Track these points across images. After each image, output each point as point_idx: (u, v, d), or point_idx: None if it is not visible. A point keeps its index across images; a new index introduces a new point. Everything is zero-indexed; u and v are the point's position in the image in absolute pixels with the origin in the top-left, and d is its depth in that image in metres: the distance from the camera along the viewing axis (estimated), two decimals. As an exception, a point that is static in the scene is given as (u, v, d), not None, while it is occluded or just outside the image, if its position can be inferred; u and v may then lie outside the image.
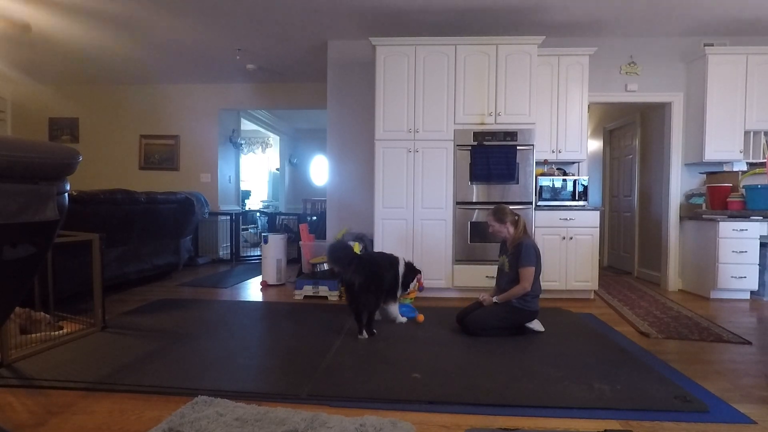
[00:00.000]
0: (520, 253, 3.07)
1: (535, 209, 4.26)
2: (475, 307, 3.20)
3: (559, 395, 2.09)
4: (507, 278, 3.18)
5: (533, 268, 3.06)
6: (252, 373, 2.39)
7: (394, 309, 3.35)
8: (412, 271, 3.44)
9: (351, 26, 4.65)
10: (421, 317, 3.40)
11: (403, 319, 3.38)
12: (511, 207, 4.17)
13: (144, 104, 6.93)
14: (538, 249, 3.17)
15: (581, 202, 4.40)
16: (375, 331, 3.05)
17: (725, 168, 4.63)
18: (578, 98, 4.48)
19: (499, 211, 3.23)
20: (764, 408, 2.00)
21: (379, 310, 3.33)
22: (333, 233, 5.05)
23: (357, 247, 4.32)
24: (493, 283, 3.51)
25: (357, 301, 3.02)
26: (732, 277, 4.26)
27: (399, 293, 3.40)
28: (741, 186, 4.47)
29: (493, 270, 3.85)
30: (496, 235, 3.31)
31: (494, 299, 3.14)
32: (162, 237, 5.03)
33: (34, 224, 1.12)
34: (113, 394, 2.11)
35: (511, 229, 3.19)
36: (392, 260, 3.35)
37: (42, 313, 2.96)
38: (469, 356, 2.64)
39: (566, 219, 4.28)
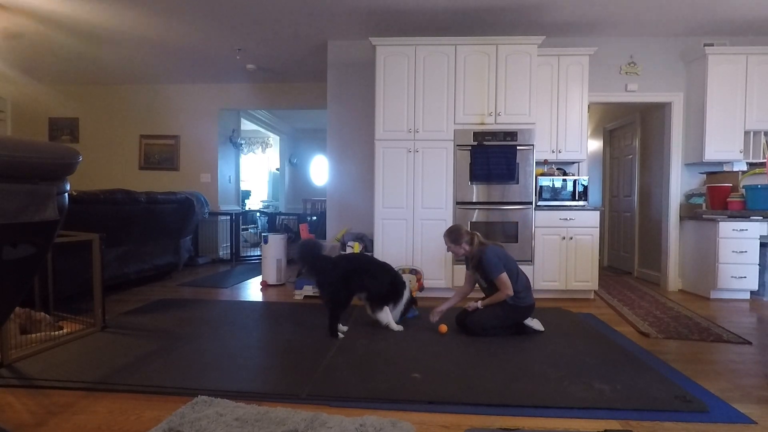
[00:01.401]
0: (483, 266, 3.09)
1: (535, 209, 4.26)
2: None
3: (559, 395, 2.09)
4: (485, 287, 3.21)
5: (505, 274, 3.05)
6: (252, 373, 2.39)
7: (381, 316, 3.19)
8: (411, 302, 3.36)
9: (351, 26, 4.65)
10: (444, 328, 3.16)
11: (397, 327, 3.17)
12: (510, 207, 4.22)
13: (144, 104, 6.93)
14: (501, 251, 3.16)
15: (581, 202, 4.40)
16: (341, 334, 3.03)
17: (725, 168, 4.63)
18: (578, 98, 4.48)
19: (454, 232, 3.25)
20: (764, 408, 2.00)
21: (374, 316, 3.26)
22: (333, 233, 5.05)
23: (357, 247, 4.33)
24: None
25: (323, 299, 3.13)
26: (732, 277, 4.26)
27: (394, 311, 3.24)
28: (741, 186, 4.47)
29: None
30: (454, 255, 3.34)
31: (479, 304, 3.13)
32: (162, 237, 5.03)
33: (34, 224, 1.12)
34: (113, 394, 2.11)
35: (467, 247, 3.21)
36: (395, 278, 3.27)
37: (42, 313, 2.96)
38: (469, 356, 2.64)
39: (566, 219, 4.28)
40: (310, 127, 10.57)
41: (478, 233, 3.27)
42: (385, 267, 3.31)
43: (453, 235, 3.24)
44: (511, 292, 3.03)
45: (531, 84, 4.25)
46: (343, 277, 3.08)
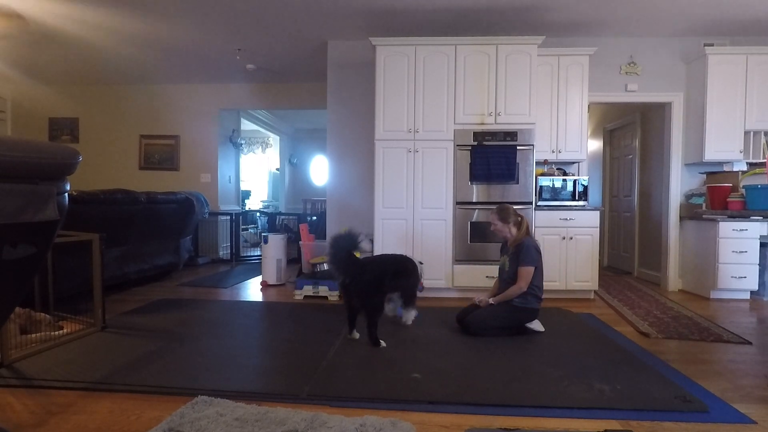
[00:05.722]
0: (521, 253, 3.08)
1: (535, 209, 4.26)
2: (474, 307, 3.20)
3: (559, 395, 2.09)
4: (506, 277, 3.18)
5: (532, 269, 3.06)
6: (252, 373, 2.39)
7: (411, 314, 3.26)
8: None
9: (351, 26, 4.65)
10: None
11: (410, 323, 3.28)
12: (513, 207, 4.21)
13: (144, 104, 6.93)
14: (539, 248, 3.18)
15: (581, 202, 4.40)
16: (383, 343, 2.81)
17: (725, 168, 4.63)
18: (578, 98, 4.48)
19: (503, 210, 3.22)
20: (764, 408, 2.00)
21: (393, 312, 3.28)
22: (333, 233, 5.04)
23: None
24: (492, 283, 3.51)
25: (348, 302, 2.98)
26: (732, 277, 4.26)
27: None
28: (741, 186, 4.47)
29: (492, 270, 3.86)
30: (497, 234, 3.30)
31: (491, 300, 3.14)
32: (162, 237, 5.03)
33: (34, 224, 1.12)
34: (113, 394, 2.11)
35: (514, 230, 3.19)
36: (413, 266, 3.25)
37: (42, 314, 2.96)
38: (469, 356, 2.64)
39: (566, 219, 4.28)
40: (310, 127, 10.57)
41: (527, 220, 3.28)
42: (407, 262, 3.25)
43: (502, 213, 3.20)
44: (525, 287, 3.03)
45: (531, 84, 4.25)
46: (375, 281, 2.93)
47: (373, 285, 2.91)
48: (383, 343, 2.81)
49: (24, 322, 2.86)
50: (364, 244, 3.09)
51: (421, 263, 3.48)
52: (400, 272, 3.12)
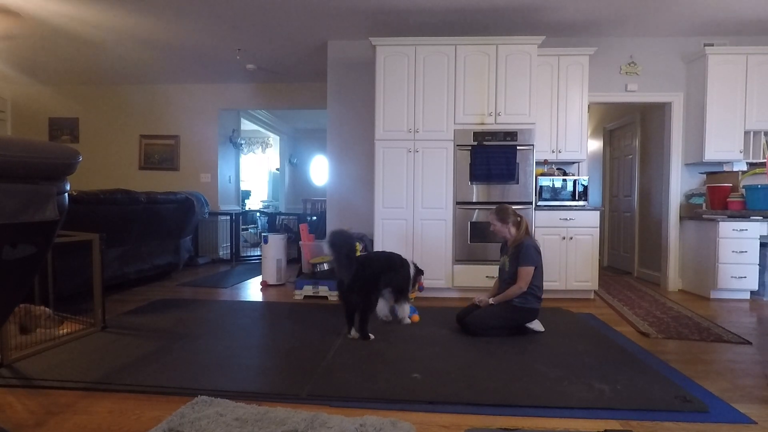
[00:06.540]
0: (520, 253, 3.08)
1: (535, 209, 4.26)
2: (474, 307, 3.20)
3: (559, 395, 2.09)
4: (506, 277, 3.18)
5: (532, 269, 3.06)
6: (252, 373, 2.39)
7: (405, 309, 3.34)
8: (418, 272, 3.53)
9: (351, 26, 4.65)
10: (416, 318, 3.43)
11: (408, 321, 3.36)
12: (512, 207, 4.21)
13: (144, 104, 6.93)
14: (539, 248, 3.18)
15: (581, 202, 4.40)
16: (372, 336, 2.95)
17: (725, 168, 4.63)
18: (578, 98, 4.48)
19: (502, 210, 3.23)
20: (764, 408, 2.00)
21: (390, 311, 3.38)
22: (331, 232, 5.04)
23: (357, 247, 4.32)
24: (492, 283, 3.51)
25: (348, 299, 3.01)
26: (732, 277, 4.26)
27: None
28: (741, 186, 4.47)
29: (492, 270, 3.87)
30: (497, 234, 3.31)
31: (490, 300, 3.14)
32: (162, 237, 5.03)
33: (34, 224, 1.12)
34: (113, 394, 2.11)
35: (513, 230, 3.19)
36: (402, 261, 3.35)
37: (41, 308, 2.96)
38: (469, 356, 2.64)
39: (566, 219, 4.28)
40: (310, 127, 10.56)
41: (527, 220, 3.29)
42: (398, 259, 3.37)
43: (501, 214, 3.22)
44: (525, 287, 3.03)
45: (531, 84, 4.25)
46: (373, 278, 3.06)
47: (372, 281, 3.04)
48: (372, 336, 2.96)
49: (23, 317, 2.86)
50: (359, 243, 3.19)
51: (422, 273, 3.59)
52: (392, 268, 3.26)
